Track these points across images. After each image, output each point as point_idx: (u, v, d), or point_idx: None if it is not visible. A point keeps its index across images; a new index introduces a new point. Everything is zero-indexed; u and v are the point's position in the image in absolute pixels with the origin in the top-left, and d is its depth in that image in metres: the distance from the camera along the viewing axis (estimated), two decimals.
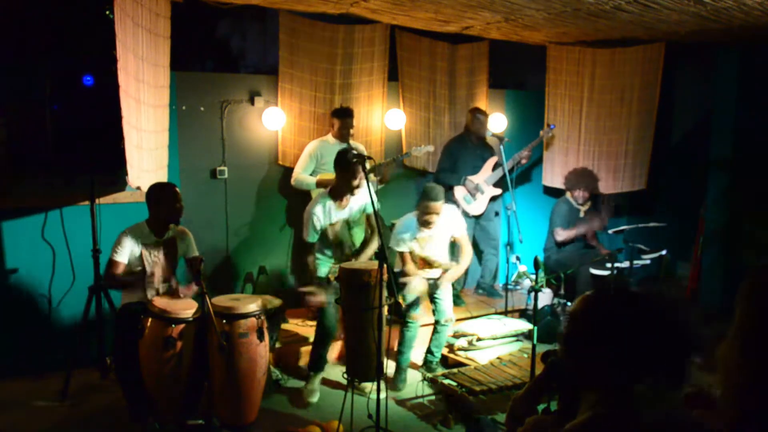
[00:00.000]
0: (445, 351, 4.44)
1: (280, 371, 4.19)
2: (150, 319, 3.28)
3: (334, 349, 4.46)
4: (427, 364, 4.39)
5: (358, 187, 3.86)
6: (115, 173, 3.89)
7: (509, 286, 5.42)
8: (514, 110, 6.12)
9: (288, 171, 4.94)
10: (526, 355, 4.23)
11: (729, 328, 2.18)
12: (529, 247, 5.70)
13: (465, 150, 5.40)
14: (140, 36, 3.57)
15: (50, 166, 3.79)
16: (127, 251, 3.53)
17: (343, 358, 4.42)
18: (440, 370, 4.20)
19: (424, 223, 4.08)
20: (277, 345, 4.27)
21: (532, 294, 3.63)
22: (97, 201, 3.96)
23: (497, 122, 5.76)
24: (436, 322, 4.31)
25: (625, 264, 4.96)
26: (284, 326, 4.48)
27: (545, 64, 5.94)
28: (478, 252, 5.68)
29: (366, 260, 3.97)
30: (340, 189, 3.91)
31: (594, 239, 5.61)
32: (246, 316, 3.37)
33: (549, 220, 5.64)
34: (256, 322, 3.40)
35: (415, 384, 4.07)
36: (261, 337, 3.40)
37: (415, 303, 4.14)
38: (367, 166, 4.09)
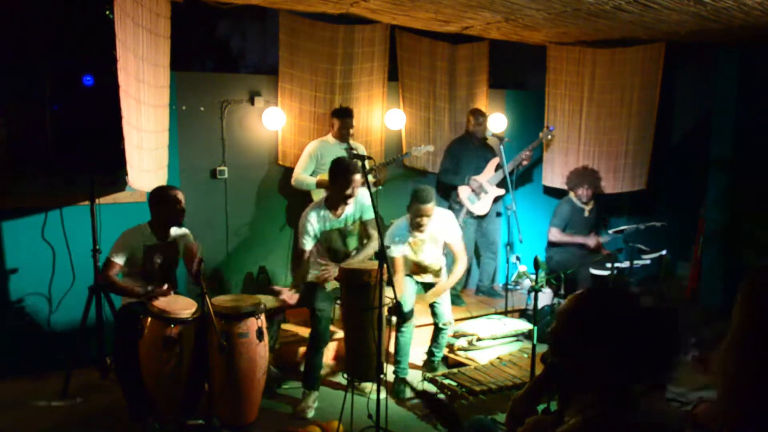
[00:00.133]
0: (445, 351, 4.44)
1: (279, 371, 4.19)
2: (150, 319, 3.28)
3: (330, 350, 4.46)
4: (427, 365, 4.40)
5: (351, 196, 3.83)
6: (115, 173, 3.89)
7: (509, 286, 5.42)
8: (514, 110, 6.12)
9: (288, 171, 4.94)
10: (526, 355, 4.23)
11: (728, 328, 2.17)
12: (529, 247, 5.70)
13: (467, 151, 5.41)
14: (140, 36, 3.57)
15: (50, 166, 3.79)
16: (127, 252, 3.53)
17: (340, 358, 4.43)
18: (441, 370, 4.20)
19: (416, 226, 4.03)
20: (277, 345, 4.27)
21: (532, 294, 3.63)
22: (97, 201, 3.96)
23: (497, 122, 5.76)
24: (436, 325, 4.31)
25: (625, 264, 4.96)
26: (284, 326, 4.48)
27: (545, 64, 5.94)
28: (476, 255, 5.68)
29: (365, 259, 3.96)
30: (335, 198, 3.89)
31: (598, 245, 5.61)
32: (246, 316, 3.38)
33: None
34: (256, 322, 3.40)
35: (415, 384, 4.06)
36: (261, 337, 3.40)
37: (409, 313, 4.12)
38: (367, 165, 4.09)
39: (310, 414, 3.75)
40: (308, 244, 3.89)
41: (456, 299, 5.16)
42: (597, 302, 1.55)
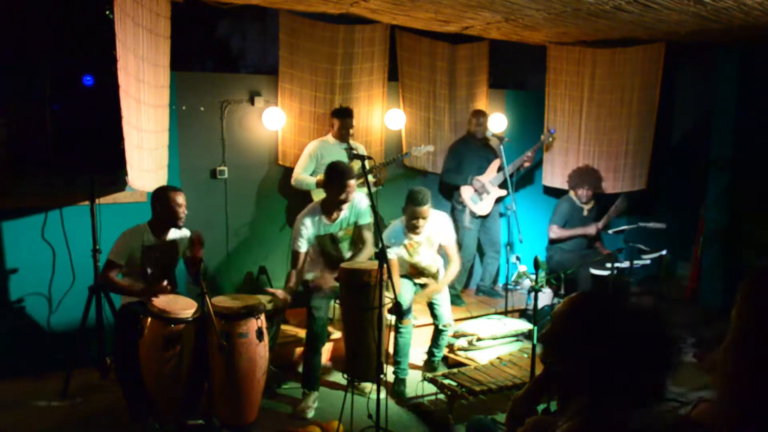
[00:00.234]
0: (445, 351, 4.44)
1: (279, 371, 4.19)
2: (150, 319, 3.28)
3: (328, 350, 4.46)
4: (427, 365, 4.40)
5: (345, 201, 3.81)
6: (115, 173, 3.89)
7: (509, 286, 5.42)
8: (514, 110, 6.12)
9: (288, 171, 4.94)
10: (526, 355, 4.22)
11: (728, 328, 2.17)
12: (529, 247, 5.70)
13: (470, 151, 5.42)
14: (140, 36, 3.57)
15: (50, 166, 3.79)
16: (126, 253, 3.54)
17: (338, 359, 4.43)
18: (441, 370, 4.20)
19: (412, 228, 4.03)
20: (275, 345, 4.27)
21: (532, 294, 3.63)
22: (97, 201, 3.96)
23: (497, 122, 5.76)
24: (436, 327, 4.31)
25: (625, 264, 4.96)
26: (284, 326, 4.48)
27: (545, 64, 5.94)
28: (480, 254, 5.69)
29: (365, 260, 3.96)
30: (330, 203, 3.88)
31: (597, 241, 5.62)
32: (246, 316, 3.38)
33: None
34: (256, 322, 3.40)
35: (415, 384, 4.07)
36: (260, 337, 3.40)
37: (407, 309, 4.12)
38: (367, 165, 4.08)
39: (310, 414, 3.75)
40: (303, 247, 3.89)
41: (456, 299, 5.16)
42: (591, 306, 1.53)
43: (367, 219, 4.01)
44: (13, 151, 3.96)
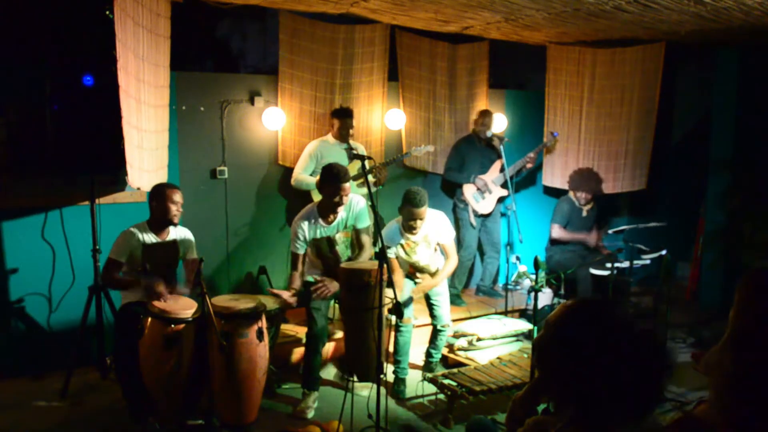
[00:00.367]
0: (445, 351, 4.45)
1: (279, 371, 4.19)
2: (150, 319, 3.28)
3: (328, 350, 4.46)
4: (427, 365, 4.40)
5: (339, 204, 3.79)
6: (115, 173, 3.90)
7: (509, 286, 5.42)
8: (514, 110, 6.12)
9: (288, 171, 4.94)
10: (526, 355, 4.23)
11: (725, 329, 2.17)
12: (529, 247, 5.70)
13: (474, 150, 5.44)
14: (141, 36, 3.57)
15: (50, 166, 3.79)
16: (127, 251, 3.54)
17: (338, 357, 4.43)
18: (440, 370, 4.20)
19: (408, 229, 4.03)
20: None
21: (532, 294, 3.63)
22: (97, 201, 3.96)
23: (497, 122, 5.76)
24: (434, 327, 4.32)
25: (625, 264, 4.97)
26: (284, 326, 4.48)
27: (545, 64, 5.94)
28: (480, 253, 5.69)
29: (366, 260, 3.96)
30: (325, 205, 3.86)
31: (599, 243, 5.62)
32: (246, 316, 3.37)
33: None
34: (256, 323, 3.40)
35: (415, 384, 4.07)
36: (261, 337, 3.40)
37: (406, 302, 4.12)
38: (367, 165, 4.06)
39: (310, 414, 3.75)
40: (301, 249, 3.89)
41: (456, 299, 5.16)
42: (584, 317, 1.49)
43: (365, 223, 4.00)
44: (13, 151, 3.96)
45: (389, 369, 4.02)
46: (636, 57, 5.64)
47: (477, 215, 5.38)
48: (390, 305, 3.35)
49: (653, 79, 5.64)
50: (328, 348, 4.45)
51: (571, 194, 5.61)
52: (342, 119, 4.75)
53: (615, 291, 4.50)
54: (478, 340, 4.39)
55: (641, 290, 6.14)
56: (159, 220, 3.62)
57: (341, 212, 3.87)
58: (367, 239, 4.00)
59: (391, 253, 4.07)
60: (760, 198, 5.60)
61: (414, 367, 4.36)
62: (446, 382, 3.80)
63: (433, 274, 4.29)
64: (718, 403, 2.16)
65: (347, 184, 3.76)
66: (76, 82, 3.65)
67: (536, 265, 3.44)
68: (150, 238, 3.60)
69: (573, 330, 1.47)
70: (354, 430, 3.43)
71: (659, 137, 5.86)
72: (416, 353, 4.41)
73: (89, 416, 3.60)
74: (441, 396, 3.85)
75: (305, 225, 3.86)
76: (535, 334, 3.49)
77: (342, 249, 4.01)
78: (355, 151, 4.61)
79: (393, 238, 4.10)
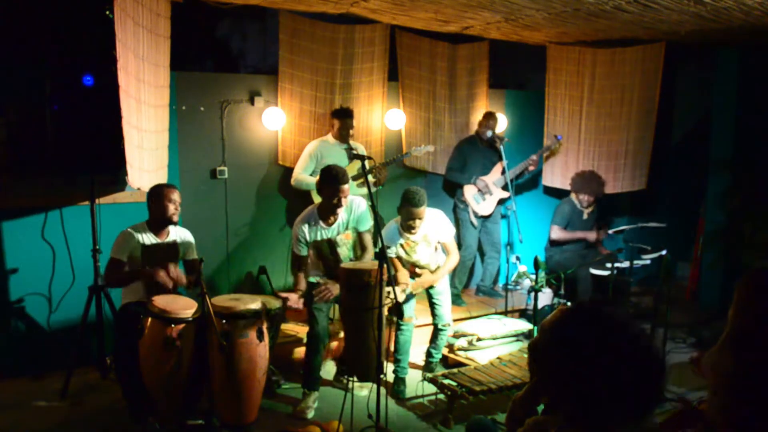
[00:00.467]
0: (445, 351, 4.45)
1: (278, 372, 4.19)
2: (150, 319, 3.28)
3: (329, 349, 4.45)
4: (427, 365, 4.40)
5: (338, 206, 3.78)
6: (115, 173, 3.90)
7: (509, 286, 5.42)
8: (514, 110, 6.12)
9: (288, 171, 4.94)
10: (526, 355, 4.22)
11: (723, 329, 2.17)
12: (529, 247, 5.71)
13: (476, 151, 5.44)
14: (141, 36, 3.57)
15: (50, 166, 3.79)
16: (127, 250, 3.54)
17: (337, 357, 4.43)
18: (440, 370, 4.20)
19: (407, 229, 4.02)
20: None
21: (532, 294, 3.63)
22: (97, 201, 3.96)
23: (497, 122, 5.76)
24: (435, 326, 4.32)
25: (625, 264, 4.97)
26: (284, 326, 4.48)
27: (545, 64, 5.94)
28: (480, 254, 5.69)
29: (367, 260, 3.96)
30: (325, 207, 3.85)
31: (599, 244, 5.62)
32: (246, 316, 3.37)
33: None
34: (256, 322, 3.40)
35: (415, 384, 4.07)
36: (261, 337, 3.40)
37: (407, 299, 4.12)
38: (367, 165, 4.06)
39: (310, 414, 3.75)
40: (303, 251, 3.89)
41: (456, 299, 5.16)
42: (584, 317, 1.49)
43: (367, 225, 3.99)
44: (13, 151, 3.96)
45: (389, 368, 4.02)
46: (636, 57, 5.64)
47: (477, 216, 5.39)
48: (390, 304, 3.35)
49: (653, 79, 5.64)
50: (329, 347, 4.45)
51: (573, 196, 5.60)
52: (342, 119, 4.75)
53: (615, 291, 4.50)
54: (478, 340, 4.39)
55: (641, 290, 6.14)
56: (158, 220, 3.62)
57: (341, 214, 3.87)
58: (370, 241, 4.00)
59: (391, 253, 4.07)
60: (760, 198, 5.60)
61: (414, 366, 4.36)
62: (446, 382, 3.80)
63: (434, 273, 4.29)
64: (718, 403, 2.16)
65: (346, 186, 3.75)
66: (76, 82, 3.65)
67: (536, 265, 3.44)
68: (149, 238, 3.60)
69: (573, 330, 1.47)
70: (354, 430, 3.43)
71: (659, 137, 5.86)
72: (416, 353, 4.41)
73: (89, 416, 3.60)
74: (441, 396, 3.85)
75: (306, 227, 3.86)
76: (535, 334, 3.49)
77: (345, 251, 4.01)
78: (355, 151, 4.61)
79: (392, 238, 4.10)
